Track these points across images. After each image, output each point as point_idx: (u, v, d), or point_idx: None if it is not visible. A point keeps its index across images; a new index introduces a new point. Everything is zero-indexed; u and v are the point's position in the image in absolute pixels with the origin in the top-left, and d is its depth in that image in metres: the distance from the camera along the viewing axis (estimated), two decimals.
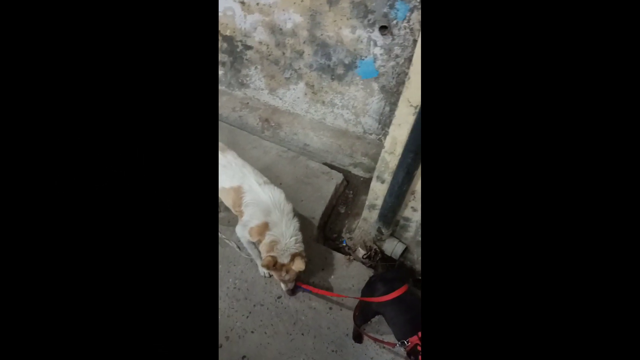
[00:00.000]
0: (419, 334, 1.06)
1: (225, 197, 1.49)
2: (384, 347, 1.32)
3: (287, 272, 1.34)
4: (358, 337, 1.35)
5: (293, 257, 1.33)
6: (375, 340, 1.27)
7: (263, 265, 1.31)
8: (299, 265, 1.32)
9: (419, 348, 1.05)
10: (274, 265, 1.30)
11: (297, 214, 1.46)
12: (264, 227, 1.35)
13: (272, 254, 1.31)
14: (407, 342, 1.09)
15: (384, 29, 1.62)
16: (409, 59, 1.63)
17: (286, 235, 1.33)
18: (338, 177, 1.98)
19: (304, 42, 1.81)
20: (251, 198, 1.40)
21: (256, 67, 2.02)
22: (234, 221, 1.54)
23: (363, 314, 1.30)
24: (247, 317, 1.35)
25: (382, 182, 1.49)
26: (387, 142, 1.37)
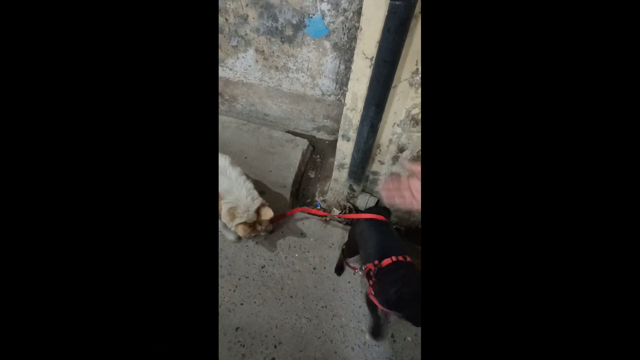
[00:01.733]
0: (375, 262, 1.20)
1: None
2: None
3: (260, 224, 1.38)
4: (339, 269, 1.47)
5: (258, 210, 1.36)
6: (348, 266, 1.41)
7: (244, 237, 1.32)
8: (266, 213, 1.36)
9: (371, 274, 1.19)
10: (250, 228, 1.32)
11: (249, 178, 1.47)
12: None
13: (237, 220, 1.31)
14: (364, 268, 1.23)
15: None
16: (358, 12, 1.60)
17: (241, 198, 1.33)
18: (303, 143, 1.97)
19: (247, 5, 1.71)
20: None
21: None
22: None
23: (349, 248, 1.42)
24: (234, 290, 1.36)
25: (348, 140, 1.51)
26: (348, 99, 1.37)
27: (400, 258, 1.17)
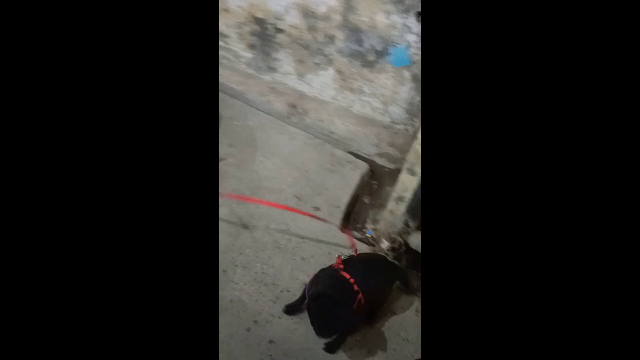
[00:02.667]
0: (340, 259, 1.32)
1: None
2: None
3: None
4: None
5: None
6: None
7: None
8: None
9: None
10: None
11: None
12: None
13: None
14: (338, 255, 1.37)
15: (419, 15, 1.56)
16: None
17: None
18: (363, 167, 1.97)
19: (336, 27, 1.76)
20: None
21: (286, 51, 1.98)
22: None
23: None
24: (275, 302, 1.38)
25: (413, 174, 1.47)
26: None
27: (355, 287, 1.19)
